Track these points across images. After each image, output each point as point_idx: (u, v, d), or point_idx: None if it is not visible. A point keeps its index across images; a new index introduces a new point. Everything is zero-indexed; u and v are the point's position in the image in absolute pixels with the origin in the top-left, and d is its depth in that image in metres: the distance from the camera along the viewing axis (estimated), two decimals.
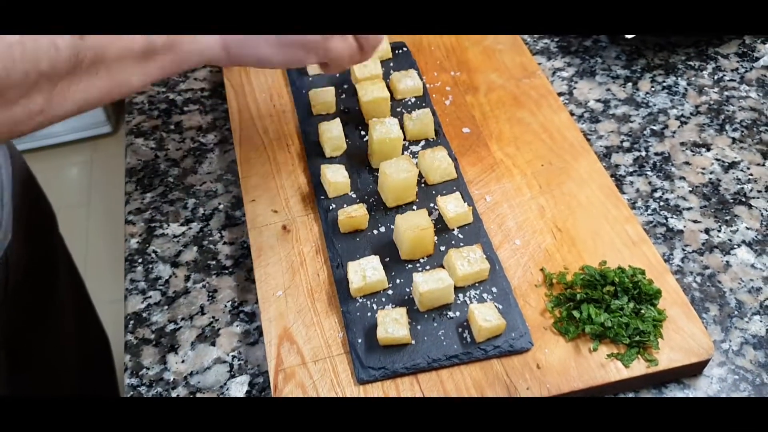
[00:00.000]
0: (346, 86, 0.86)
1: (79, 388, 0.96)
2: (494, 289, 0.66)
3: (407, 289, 0.66)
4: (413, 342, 0.62)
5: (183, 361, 0.66)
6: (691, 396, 0.62)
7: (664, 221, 0.76)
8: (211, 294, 0.71)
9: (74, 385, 0.95)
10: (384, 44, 0.88)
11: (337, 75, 0.87)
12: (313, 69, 0.87)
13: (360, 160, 0.78)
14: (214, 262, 0.73)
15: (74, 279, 1.01)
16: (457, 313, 0.64)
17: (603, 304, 0.64)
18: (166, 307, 0.70)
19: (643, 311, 0.63)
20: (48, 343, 0.89)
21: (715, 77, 0.92)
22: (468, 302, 0.65)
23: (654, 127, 0.86)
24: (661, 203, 0.77)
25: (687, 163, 0.82)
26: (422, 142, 0.79)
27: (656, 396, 0.62)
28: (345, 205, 0.73)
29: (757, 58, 0.94)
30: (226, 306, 0.70)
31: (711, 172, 0.80)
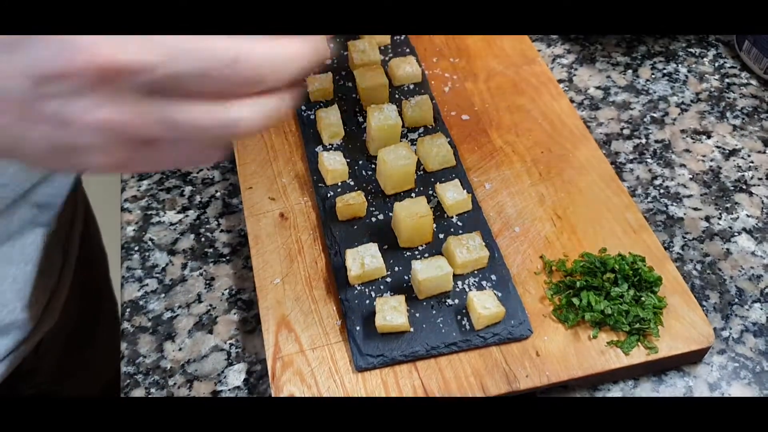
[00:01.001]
0: (344, 72, 0.85)
1: None
2: (493, 277, 0.65)
3: (406, 277, 0.66)
4: (412, 329, 0.62)
5: (180, 349, 0.65)
6: (691, 384, 0.62)
7: (665, 209, 0.75)
8: (208, 282, 0.70)
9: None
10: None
11: (335, 62, 0.87)
12: None
13: (358, 147, 0.77)
14: (211, 250, 0.73)
15: (113, 321, 1.01)
16: (456, 301, 0.64)
17: (603, 291, 0.63)
18: (162, 295, 0.69)
19: (643, 298, 0.63)
20: (78, 383, 0.90)
21: (716, 64, 0.91)
22: (467, 290, 0.65)
23: (654, 115, 0.85)
24: (662, 191, 0.77)
25: (687, 150, 0.81)
26: (421, 129, 0.79)
27: (656, 383, 0.62)
28: (343, 192, 0.72)
29: None
30: (223, 294, 0.69)
31: (711, 160, 0.80)
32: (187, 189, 0.79)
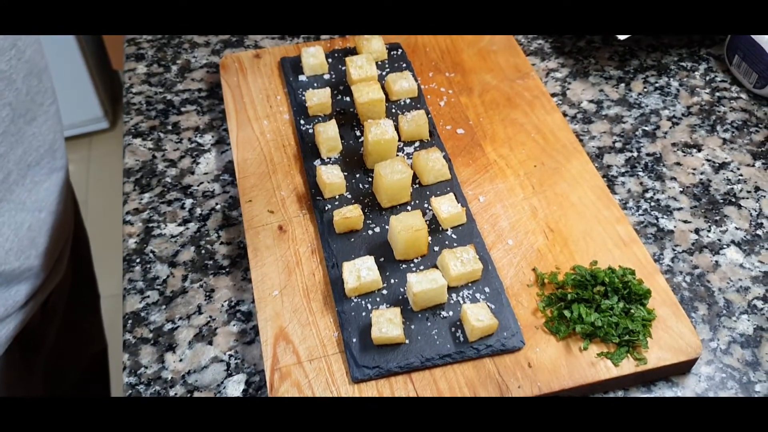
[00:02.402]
0: (341, 87, 0.87)
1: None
2: (487, 289, 0.67)
3: (401, 289, 0.67)
4: (407, 341, 0.63)
5: (180, 360, 0.67)
6: (679, 394, 0.64)
7: (655, 221, 0.77)
8: (208, 294, 0.72)
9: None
10: (379, 45, 0.89)
11: (333, 77, 0.88)
12: (309, 70, 0.88)
13: (355, 161, 0.79)
14: (211, 262, 0.74)
15: (93, 300, 1.03)
16: (450, 313, 0.65)
17: (593, 304, 0.65)
18: (163, 306, 0.71)
19: (632, 311, 0.64)
20: (55, 352, 0.91)
21: (707, 78, 0.93)
22: (461, 302, 0.66)
23: (646, 128, 0.87)
24: (652, 203, 0.78)
25: (678, 163, 0.83)
26: (417, 143, 0.80)
27: (645, 394, 0.64)
28: (340, 205, 0.74)
29: None
30: (223, 306, 0.71)
31: (702, 173, 0.82)
32: (188, 201, 0.80)
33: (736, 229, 0.76)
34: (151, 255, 0.75)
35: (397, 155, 0.78)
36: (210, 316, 0.70)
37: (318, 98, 0.83)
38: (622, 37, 0.90)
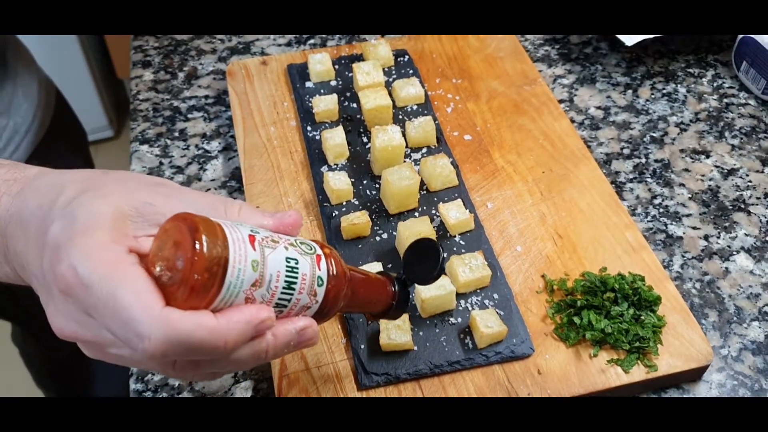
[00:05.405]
0: (348, 94, 0.87)
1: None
2: (496, 296, 0.67)
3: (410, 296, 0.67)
4: (415, 348, 0.63)
5: None
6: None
7: (664, 228, 0.76)
8: None
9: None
10: (386, 51, 0.89)
11: (340, 84, 0.88)
12: (316, 76, 0.88)
13: (362, 168, 0.78)
14: None
15: None
16: (459, 319, 0.65)
17: (603, 310, 0.64)
18: None
19: (642, 317, 0.64)
20: None
21: (715, 84, 0.93)
22: (470, 308, 0.66)
23: (654, 134, 0.86)
24: (661, 210, 0.78)
25: (686, 170, 0.82)
26: (424, 150, 0.80)
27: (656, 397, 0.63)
28: (348, 212, 0.73)
29: None
30: None
31: (710, 179, 0.81)
32: None
33: (746, 235, 0.75)
34: None
35: (405, 161, 0.78)
36: None
37: (325, 105, 0.83)
38: (629, 43, 0.90)
